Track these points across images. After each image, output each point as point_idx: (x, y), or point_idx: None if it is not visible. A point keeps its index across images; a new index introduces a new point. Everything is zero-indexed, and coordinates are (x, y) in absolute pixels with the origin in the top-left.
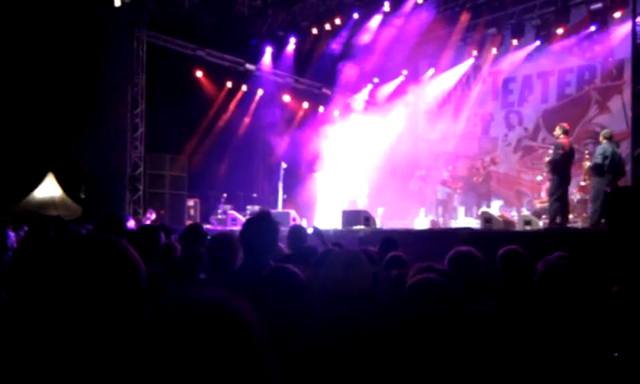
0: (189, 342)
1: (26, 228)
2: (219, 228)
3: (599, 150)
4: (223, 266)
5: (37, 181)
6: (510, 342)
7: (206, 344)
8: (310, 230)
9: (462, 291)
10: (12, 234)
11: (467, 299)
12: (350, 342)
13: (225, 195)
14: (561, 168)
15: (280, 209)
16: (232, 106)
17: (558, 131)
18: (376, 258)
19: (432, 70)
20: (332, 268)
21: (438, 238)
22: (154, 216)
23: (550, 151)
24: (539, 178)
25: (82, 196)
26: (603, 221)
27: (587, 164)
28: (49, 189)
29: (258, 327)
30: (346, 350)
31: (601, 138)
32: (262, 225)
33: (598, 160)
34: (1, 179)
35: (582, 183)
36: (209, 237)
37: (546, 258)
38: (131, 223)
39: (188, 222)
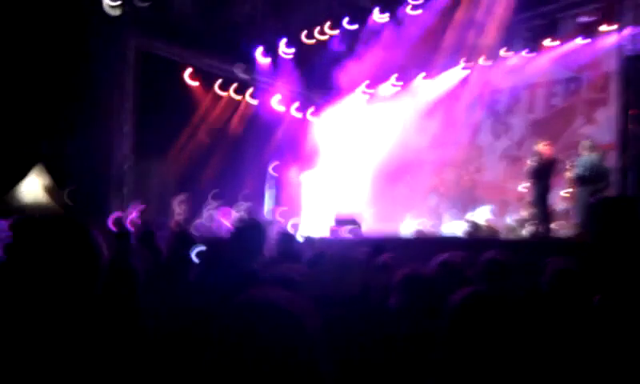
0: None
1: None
2: (205, 230)
3: (581, 161)
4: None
5: (21, 178)
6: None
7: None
8: (300, 238)
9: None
10: None
11: None
12: (343, 346)
13: (211, 198)
14: (539, 176)
15: (267, 213)
16: (221, 110)
17: (536, 142)
18: (364, 263)
19: (421, 78)
20: (325, 269)
21: (425, 245)
22: (136, 214)
23: (529, 161)
24: (520, 188)
25: (66, 195)
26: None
27: (568, 174)
28: (33, 187)
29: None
30: (339, 354)
31: (581, 149)
32: (251, 231)
33: (580, 171)
34: None
35: (564, 193)
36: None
37: (551, 263)
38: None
39: (174, 225)
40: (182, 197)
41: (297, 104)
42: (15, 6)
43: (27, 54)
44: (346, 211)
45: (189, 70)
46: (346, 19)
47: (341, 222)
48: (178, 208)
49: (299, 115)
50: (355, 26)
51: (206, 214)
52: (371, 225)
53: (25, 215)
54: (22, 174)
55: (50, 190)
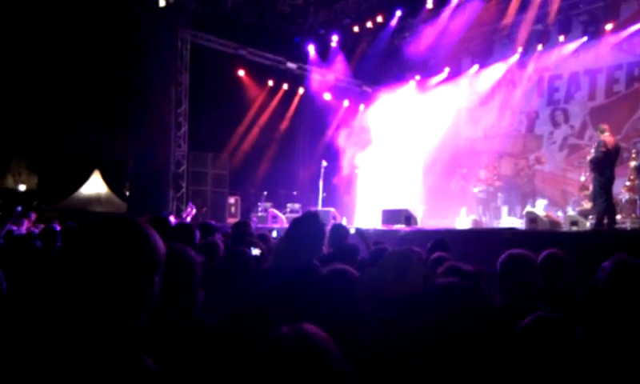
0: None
1: (70, 224)
2: (260, 226)
3: None
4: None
5: (83, 178)
6: (584, 353)
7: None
8: (352, 230)
9: (517, 298)
10: (59, 228)
11: (525, 307)
12: (401, 349)
13: (265, 193)
14: (603, 166)
15: (320, 207)
16: (273, 104)
17: (600, 130)
18: (424, 260)
19: (476, 67)
20: (384, 269)
21: (482, 238)
22: (194, 211)
23: (592, 150)
24: (582, 178)
25: (127, 193)
26: None
27: (633, 163)
28: (95, 185)
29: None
30: (396, 357)
31: None
32: (310, 225)
33: None
34: (49, 176)
35: (628, 183)
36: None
37: (616, 256)
38: (171, 220)
39: (229, 220)
40: (234, 199)
41: (348, 98)
42: (71, 10)
43: (84, 57)
44: (398, 207)
45: (240, 63)
46: (398, 9)
47: (393, 216)
48: (232, 208)
49: (349, 107)
50: (407, 15)
51: (260, 208)
52: (424, 219)
53: (89, 212)
54: (85, 177)
55: (111, 189)
